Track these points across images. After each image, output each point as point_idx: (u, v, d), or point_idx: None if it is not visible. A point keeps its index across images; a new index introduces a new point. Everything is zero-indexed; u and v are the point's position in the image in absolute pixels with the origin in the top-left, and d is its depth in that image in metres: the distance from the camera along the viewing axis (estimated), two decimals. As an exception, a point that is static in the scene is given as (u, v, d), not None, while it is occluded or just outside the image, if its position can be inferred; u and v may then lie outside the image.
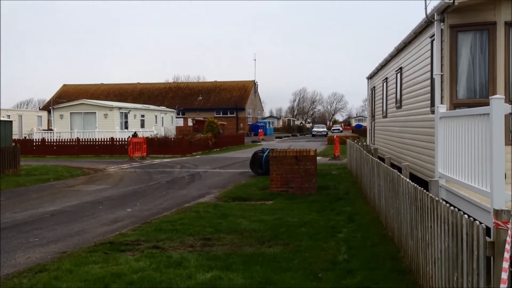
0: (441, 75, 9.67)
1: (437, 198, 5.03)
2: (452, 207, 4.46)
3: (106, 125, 38.73)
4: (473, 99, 9.34)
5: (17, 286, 6.06)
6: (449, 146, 7.69)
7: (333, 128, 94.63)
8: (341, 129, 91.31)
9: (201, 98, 72.03)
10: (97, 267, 6.80)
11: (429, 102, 10.81)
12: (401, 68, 14.39)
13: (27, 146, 32.35)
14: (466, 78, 9.61)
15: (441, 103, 9.40)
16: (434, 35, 10.12)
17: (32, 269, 6.88)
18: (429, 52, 10.82)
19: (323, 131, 69.22)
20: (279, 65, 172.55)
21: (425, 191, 5.63)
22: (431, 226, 5.16)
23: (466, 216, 4.02)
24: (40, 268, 6.86)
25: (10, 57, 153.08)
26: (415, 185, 6.10)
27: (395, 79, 15.47)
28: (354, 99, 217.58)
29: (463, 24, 9.52)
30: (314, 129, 74.20)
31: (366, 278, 6.18)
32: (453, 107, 9.36)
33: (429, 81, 10.90)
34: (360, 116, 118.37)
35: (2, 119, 25.06)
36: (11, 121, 24.28)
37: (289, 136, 70.08)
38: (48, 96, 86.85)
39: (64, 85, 77.87)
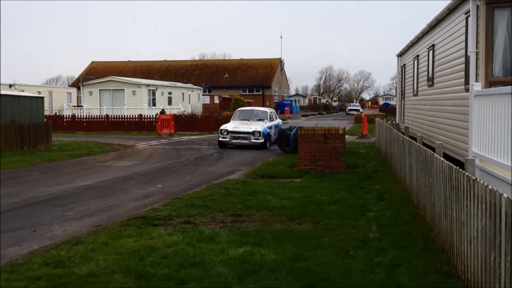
0: (476, 53, 9.47)
1: (474, 177, 4.97)
2: (490, 186, 4.41)
3: (134, 102, 39.09)
4: (509, 77, 9.15)
5: (55, 258, 6.23)
6: (484, 125, 7.57)
7: (349, 107, 78.65)
8: (359, 109, 74.19)
9: (227, 75, 71.93)
10: (132, 240, 6.95)
11: (463, 80, 10.62)
12: (433, 45, 14.12)
13: (58, 122, 32.91)
14: (502, 56, 9.41)
15: (476, 81, 9.23)
16: (469, 11, 9.89)
17: (68, 241, 7.06)
18: (464, 29, 10.59)
19: (357, 109, 70.69)
20: (305, 43, 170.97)
21: (460, 170, 5.57)
22: (467, 205, 5.11)
23: (505, 195, 3.98)
24: (77, 241, 7.04)
25: (39, 34, 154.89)
26: (450, 164, 6.04)
27: (426, 57, 15.21)
28: (382, 77, 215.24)
29: (499, 0, 9.28)
30: (348, 108, 74.44)
31: (398, 256, 6.18)
32: (489, 85, 9.19)
33: (463, 59, 10.69)
34: (388, 95, 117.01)
35: (33, 95, 25.49)
36: (42, 97, 24.68)
37: (315, 115, 69.74)
38: (76, 73, 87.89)
39: (93, 61, 78.53)
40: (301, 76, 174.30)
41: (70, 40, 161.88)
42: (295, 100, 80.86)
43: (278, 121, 23.93)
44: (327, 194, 10.46)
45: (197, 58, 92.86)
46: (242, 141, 20.93)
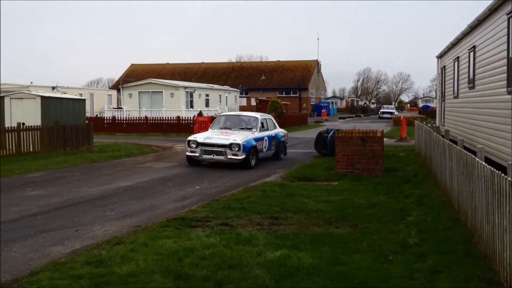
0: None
1: (517, 183, 4.86)
2: (534, 193, 4.30)
3: (173, 104, 39.55)
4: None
5: (97, 257, 6.38)
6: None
7: (382, 110, 67.98)
8: (394, 111, 65.87)
9: (264, 77, 72.08)
10: (170, 241, 7.05)
11: (505, 82, 10.37)
12: (474, 47, 13.83)
13: (99, 124, 33.59)
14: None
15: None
16: (511, 12, 9.65)
17: (109, 241, 7.22)
18: (506, 30, 10.34)
19: (391, 112, 64.51)
20: (342, 44, 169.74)
21: (503, 174, 5.44)
22: (509, 211, 5.00)
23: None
24: (117, 241, 7.18)
25: (81, 37, 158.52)
26: (492, 168, 5.91)
27: (467, 58, 14.90)
28: (421, 79, 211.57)
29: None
30: (381, 110, 69.06)
31: (438, 262, 6.09)
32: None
33: (505, 60, 10.44)
34: (428, 97, 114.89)
35: (75, 97, 26.09)
36: (84, 99, 25.23)
37: (352, 117, 69.10)
38: (116, 75, 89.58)
39: (132, 64, 79.94)
40: (338, 78, 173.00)
41: (111, 43, 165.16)
42: (332, 102, 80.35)
43: (276, 131, 18.14)
44: (365, 197, 10.38)
45: (234, 60, 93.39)
46: (215, 156, 15.70)
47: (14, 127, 18.80)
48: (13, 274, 5.89)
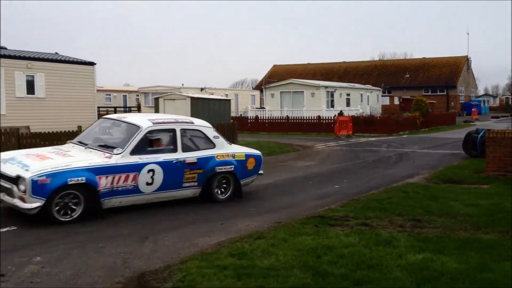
0: None
1: None
2: None
3: (313, 104, 39.85)
4: None
5: (239, 250, 6.69)
6: None
7: None
8: None
9: (408, 75, 69.59)
10: (309, 238, 7.16)
11: None
12: None
13: (243, 123, 34.94)
14: None
15: None
16: None
17: (251, 235, 7.52)
18: None
19: None
20: (495, 39, 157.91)
21: None
22: None
23: None
24: (259, 235, 7.46)
25: (228, 40, 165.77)
26: None
27: None
28: None
29: None
30: None
31: None
32: None
33: None
34: None
35: (222, 98, 27.46)
36: (229, 100, 26.49)
37: (507, 116, 64.01)
38: (259, 76, 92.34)
39: (275, 65, 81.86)
40: (490, 75, 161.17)
41: (255, 45, 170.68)
42: (483, 101, 75.13)
43: (212, 152, 10.15)
44: (518, 202, 9.62)
45: (376, 58, 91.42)
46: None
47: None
48: (165, 261, 6.40)
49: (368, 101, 48.93)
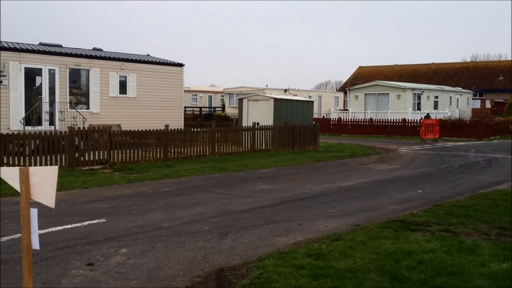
0: None
1: None
2: None
3: (399, 106, 38.92)
4: None
5: (317, 250, 6.72)
6: None
7: None
8: None
9: (502, 78, 66.06)
10: (388, 242, 7.05)
11: None
12: None
13: (325, 125, 34.82)
14: None
15: None
16: None
17: (329, 237, 7.52)
18: None
19: None
20: None
21: None
22: None
23: None
24: (336, 237, 7.45)
25: (311, 42, 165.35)
26: None
27: None
28: None
29: None
30: None
31: None
32: None
33: None
34: None
35: (304, 99, 27.47)
36: (312, 101, 26.46)
37: None
38: (343, 78, 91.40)
39: (360, 67, 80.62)
40: None
41: (341, 46, 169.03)
42: None
43: None
44: None
45: (468, 59, 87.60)
46: None
47: (249, 126, 20.63)
48: (243, 258, 6.55)
49: (457, 104, 47.07)
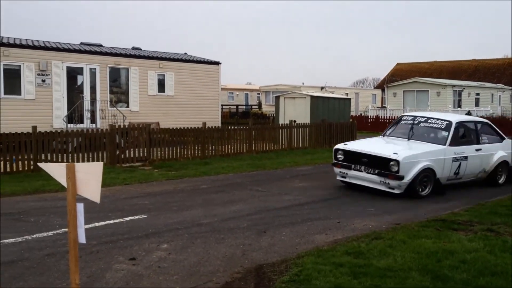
0: None
1: None
2: None
3: (438, 103, 38.22)
4: None
5: (356, 249, 6.68)
6: None
7: None
8: None
9: (547, 73, 64.03)
10: (430, 241, 6.96)
11: None
12: None
13: (362, 122, 34.46)
14: None
15: None
16: None
17: (368, 235, 7.46)
18: None
19: None
20: None
21: None
22: None
23: None
24: (376, 236, 7.38)
25: (347, 39, 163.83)
26: None
27: None
28: None
29: None
30: None
31: None
32: None
33: None
34: None
35: (341, 96, 27.27)
36: (349, 99, 26.23)
37: None
38: (381, 75, 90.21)
39: (398, 63, 79.44)
40: None
41: (378, 43, 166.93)
42: None
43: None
44: None
45: (510, 56, 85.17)
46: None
47: (286, 124, 20.61)
48: (281, 255, 6.57)
49: (499, 101, 45.90)
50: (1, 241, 6.97)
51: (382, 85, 54.65)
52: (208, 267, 6.10)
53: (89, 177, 3.79)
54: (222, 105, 31.18)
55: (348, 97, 30.21)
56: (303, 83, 45.01)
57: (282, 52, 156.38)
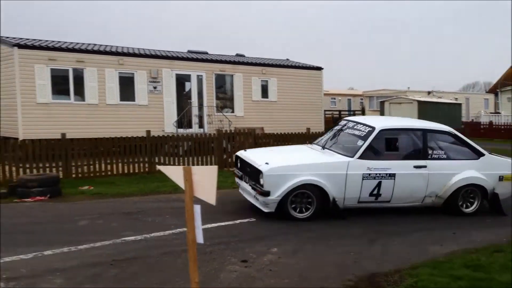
0: None
1: None
2: None
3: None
4: None
5: (475, 261, 6.34)
6: None
7: None
8: None
9: None
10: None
11: None
12: None
13: (474, 129, 32.71)
14: None
15: None
16: None
17: (488, 248, 7.06)
18: None
19: None
20: None
21: None
22: None
23: None
24: (496, 248, 6.97)
25: (457, 41, 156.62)
26: None
27: None
28: None
29: None
30: None
31: None
32: None
33: None
34: None
35: (451, 101, 26.14)
36: (460, 104, 25.12)
37: None
38: (493, 79, 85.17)
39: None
40: None
41: (490, 44, 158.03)
42: None
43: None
44: None
45: None
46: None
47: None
48: (394, 265, 6.38)
49: None
50: (123, 238, 7.39)
51: (494, 90, 51.63)
52: (318, 273, 6.06)
53: (204, 180, 3.91)
54: (325, 111, 31.02)
55: (458, 102, 28.90)
56: (408, 87, 43.65)
57: (384, 57, 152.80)
